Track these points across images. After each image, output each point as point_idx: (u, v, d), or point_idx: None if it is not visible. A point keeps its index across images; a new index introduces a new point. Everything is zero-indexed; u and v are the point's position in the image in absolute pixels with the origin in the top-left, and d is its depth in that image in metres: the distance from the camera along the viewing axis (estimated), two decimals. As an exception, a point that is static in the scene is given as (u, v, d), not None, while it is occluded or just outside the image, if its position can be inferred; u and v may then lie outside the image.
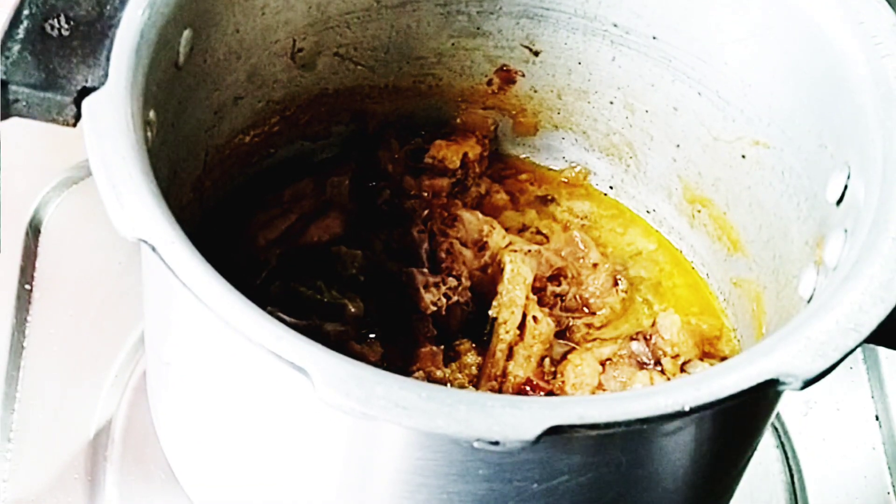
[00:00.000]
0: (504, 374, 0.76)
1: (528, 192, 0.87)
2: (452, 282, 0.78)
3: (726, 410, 0.58)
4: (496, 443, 0.52)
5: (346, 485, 0.61)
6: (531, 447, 0.52)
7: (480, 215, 0.82)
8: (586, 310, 0.80)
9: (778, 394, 0.57)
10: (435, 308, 0.77)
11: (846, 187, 0.65)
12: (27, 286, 0.85)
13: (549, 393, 0.76)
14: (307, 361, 0.53)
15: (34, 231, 0.88)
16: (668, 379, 0.75)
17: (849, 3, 0.67)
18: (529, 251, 0.80)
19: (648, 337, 0.77)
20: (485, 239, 0.80)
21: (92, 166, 0.57)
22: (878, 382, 0.89)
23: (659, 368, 0.76)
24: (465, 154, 0.85)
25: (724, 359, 0.78)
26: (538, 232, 0.84)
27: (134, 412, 0.80)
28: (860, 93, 0.65)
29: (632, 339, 0.77)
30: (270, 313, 0.74)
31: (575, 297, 0.81)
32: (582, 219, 0.85)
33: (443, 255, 0.79)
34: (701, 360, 0.77)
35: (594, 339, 0.79)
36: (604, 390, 0.75)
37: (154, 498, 0.77)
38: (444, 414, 0.52)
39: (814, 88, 0.69)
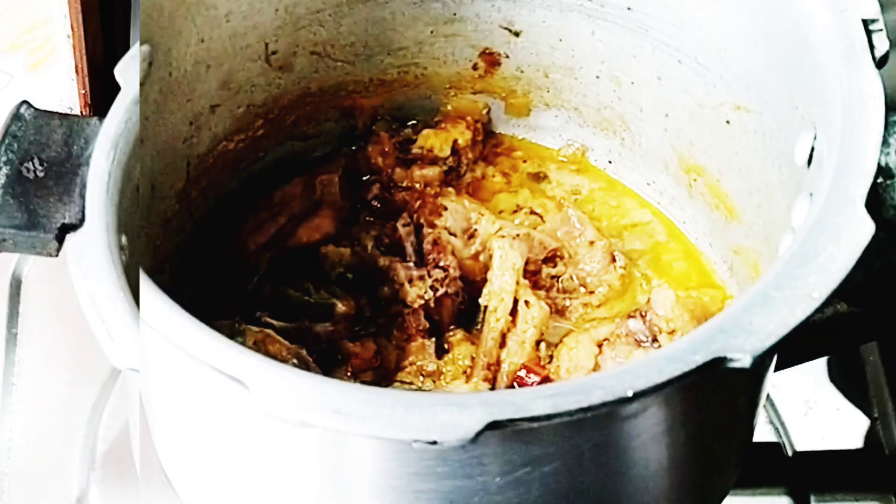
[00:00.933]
0: (497, 362, 0.75)
1: (519, 171, 0.85)
2: (438, 273, 0.77)
3: (686, 391, 0.57)
4: (434, 442, 0.51)
5: (322, 491, 0.61)
6: (477, 443, 0.51)
7: (468, 202, 0.80)
8: (583, 289, 0.79)
9: (736, 372, 0.55)
10: (422, 301, 0.76)
11: (813, 149, 0.63)
12: (25, 285, 0.87)
13: (546, 379, 0.74)
14: (243, 373, 0.53)
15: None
16: (667, 355, 0.73)
17: (810, -41, 0.65)
18: (518, 235, 0.78)
19: (644, 314, 0.75)
20: (474, 226, 0.79)
21: (81, 303, 0.58)
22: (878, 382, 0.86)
23: (657, 345, 0.74)
24: (456, 141, 0.84)
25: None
26: (532, 212, 0.83)
27: (132, 412, 0.81)
28: (821, 50, 0.63)
29: (629, 317, 0.76)
30: (259, 318, 0.75)
31: (572, 278, 0.79)
32: (574, 194, 0.84)
33: (428, 246, 0.78)
34: (701, 332, 0.75)
35: (592, 320, 0.78)
36: (601, 371, 0.74)
37: (152, 500, 0.78)
38: (382, 416, 0.52)
39: (781, 48, 0.67)
